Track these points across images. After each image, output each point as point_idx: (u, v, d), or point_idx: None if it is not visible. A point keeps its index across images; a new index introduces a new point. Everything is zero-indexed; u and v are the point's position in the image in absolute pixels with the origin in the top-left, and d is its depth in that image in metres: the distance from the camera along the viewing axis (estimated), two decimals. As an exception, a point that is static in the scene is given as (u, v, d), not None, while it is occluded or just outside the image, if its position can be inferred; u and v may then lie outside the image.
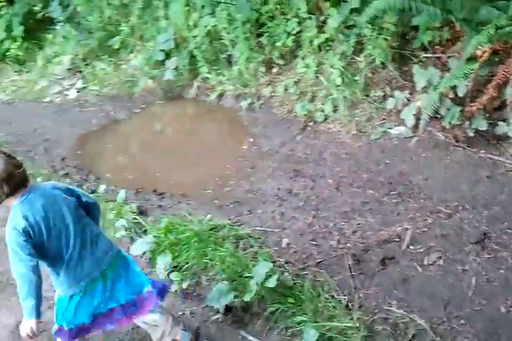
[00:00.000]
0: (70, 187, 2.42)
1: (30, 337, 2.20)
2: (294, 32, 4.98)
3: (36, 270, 2.17)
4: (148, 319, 2.49)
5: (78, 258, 2.28)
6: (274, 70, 5.16)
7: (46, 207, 2.21)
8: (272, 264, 2.82)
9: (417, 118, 3.78)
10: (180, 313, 2.97)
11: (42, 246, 2.20)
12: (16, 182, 2.15)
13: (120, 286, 2.39)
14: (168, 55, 5.95)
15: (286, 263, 3.04)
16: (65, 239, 2.26)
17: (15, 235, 2.13)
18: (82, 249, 2.29)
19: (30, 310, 2.16)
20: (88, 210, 2.40)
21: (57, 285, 2.35)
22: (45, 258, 2.26)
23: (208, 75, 5.55)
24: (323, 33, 4.74)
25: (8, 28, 8.31)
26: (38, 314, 2.19)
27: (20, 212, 2.16)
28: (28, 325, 2.18)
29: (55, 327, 2.43)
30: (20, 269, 2.16)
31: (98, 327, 2.48)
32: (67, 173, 4.89)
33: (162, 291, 2.48)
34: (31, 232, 2.15)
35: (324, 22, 4.80)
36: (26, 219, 2.15)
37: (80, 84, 6.85)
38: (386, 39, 4.29)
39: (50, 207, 2.23)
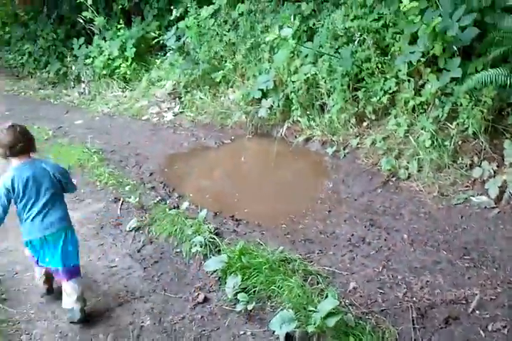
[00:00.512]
0: (60, 170, 3.33)
1: None
2: (390, 91, 5.15)
3: (5, 209, 3.17)
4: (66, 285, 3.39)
5: (34, 219, 3.24)
6: (365, 124, 5.34)
7: (30, 178, 3.16)
8: (338, 302, 2.93)
9: (501, 191, 3.84)
10: (241, 332, 3.12)
11: (15, 200, 3.19)
12: (16, 150, 3.14)
13: (55, 252, 3.31)
14: (265, 94, 6.27)
15: (350, 305, 3.14)
16: (31, 205, 3.21)
17: (1, 186, 3.13)
18: (38, 215, 3.23)
19: None
20: (64, 190, 3.38)
21: (21, 229, 3.36)
22: (17, 208, 3.23)
23: (300, 119, 5.81)
24: (420, 96, 4.87)
25: (122, 48, 9.04)
26: None
27: (12, 174, 3.14)
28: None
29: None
30: None
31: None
32: (153, 187, 5.23)
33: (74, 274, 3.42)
34: (11, 190, 3.13)
35: (422, 86, 4.94)
36: (12, 180, 3.13)
37: (177, 108, 7.32)
38: (482, 111, 4.36)
39: (33, 179, 3.18)
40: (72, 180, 3.52)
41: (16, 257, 4.30)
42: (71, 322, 3.40)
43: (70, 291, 3.39)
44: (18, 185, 3.14)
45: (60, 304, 3.46)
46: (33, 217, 3.24)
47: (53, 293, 3.68)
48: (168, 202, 4.88)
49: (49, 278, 3.63)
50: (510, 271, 3.20)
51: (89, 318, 3.42)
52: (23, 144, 3.17)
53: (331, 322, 2.83)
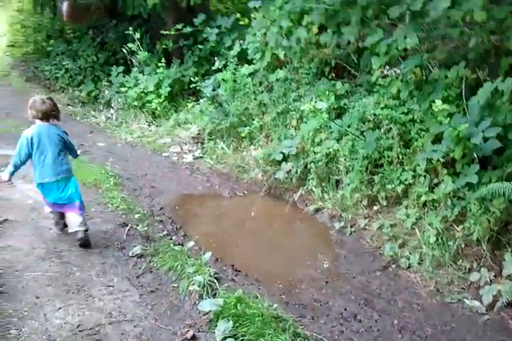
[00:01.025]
0: (67, 137, 4.64)
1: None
2: (406, 182, 5.31)
3: (25, 157, 4.49)
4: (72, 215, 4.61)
5: (45, 166, 4.48)
6: (375, 208, 5.53)
7: (46, 135, 4.47)
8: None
9: (495, 300, 4.01)
10: (224, 376, 3.18)
11: (32, 149, 4.45)
12: (46, 115, 4.51)
13: (65, 192, 4.58)
14: (285, 158, 6.51)
15: (333, 375, 3.23)
16: (44, 156, 4.48)
17: (23, 137, 4.47)
18: (50, 162, 4.48)
19: (8, 172, 4.54)
20: (69, 150, 4.68)
21: (34, 174, 4.61)
22: (32, 157, 4.49)
23: (314, 189, 6.02)
24: (433, 193, 5.06)
25: (158, 85, 9.45)
26: (10, 176, 4.58)
27: (33, 129, 4.49)
28: (2, 176, 4.59)
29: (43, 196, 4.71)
30: (17, 151, 4.49)
31: (58, 208, 4.72)
32: (161, 220, 5.39)
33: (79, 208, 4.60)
34: (30, 141, 4.43)
35: (436, 184, 5.14)
36: (32, 134, 4.44)
37: (198, 152, 7.58)
38: (489, 220, 4.56)
39: (48, 136, 4.48)
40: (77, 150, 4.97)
41: (18, 256, 4.39)
42: (78, 245, 4.61)
43: (75, 219, 4.59)
44: (36, 139, 4.44)
45: (53, 309, 3.55)
46: (47, 165, 4.48)
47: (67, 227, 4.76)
48: (173, 238, 5.02)
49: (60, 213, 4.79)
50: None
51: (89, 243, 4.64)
52: (54, 113, 4.60)
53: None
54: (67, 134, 4.70)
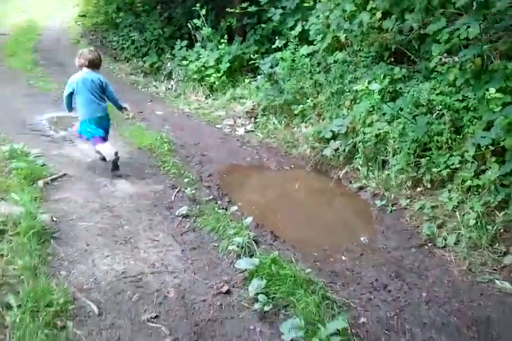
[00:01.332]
0: (107, 82, 5.65)
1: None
2: (452, 167, 5.33)
3: (70, 95, 5.59)
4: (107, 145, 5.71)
5: (87, 105, 5.53)
6: (419, 189, 5.58)
7: (88, 80, 5.46)
8: (346, 325, 3.20)
9: (525, 283, 4.05)
10: (252, 327, 3.42)
11: (76, 91, 5.48)
12: (92, 64, 5.51)
13: (102, 127, 5.70)
14: (335, 136, 6.62)
15: (355, 335, 3.39)
16: (86, 95, 5.48)
17: (70, 80, 5.51)
18: (91, 102, 5.51)
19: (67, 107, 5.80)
20: (107, 95, 5.71)
21: (78, 112, 5.69)
22: (76, 97, 5.54)
23: (360, 167, 6.12)
24: (478, 179, 5.09)
25: (218, 60, 9.72)
26: (69, 109, 5.84)
27: (79, 75, 5.49)
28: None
29: (76, 133, 5.99)
30: (66, 91, 5.59)
31: (96, 140, 5.67)
32: (209, 186, 5.65)
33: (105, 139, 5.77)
34: (75, 84, 5.45)
35: (483, 171, 5.15)
36: (77, 79, 5.44)
37: (250, 126, 7.78)
38: (532, 209, 4.58)
39: (90, 80, 5.46)
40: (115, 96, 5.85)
41: (73, 207, 4.75)
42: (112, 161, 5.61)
43: (110, 146, 5.66)
44: (82, 83, 5.44)
45: (100, 256, 3.88)
46: (92, 104, 5.52)
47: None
48: (218, 202, 5.27)
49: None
50: (508, 351, 3.40)
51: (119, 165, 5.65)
52: (98, 62, 5.57)
53: (336, 339, 3.10)
54: (107, 82, 5.70)
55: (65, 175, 5.54)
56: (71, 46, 13.39)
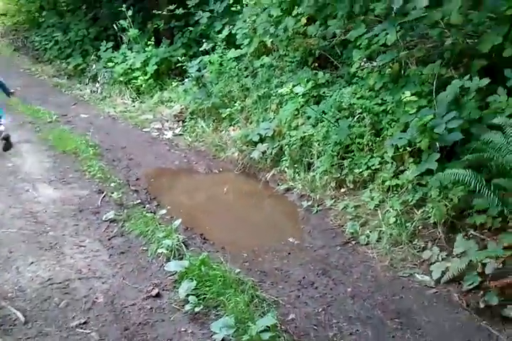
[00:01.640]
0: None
1: None
2: (373, 167, 5.53)
3: None
4: None
5: None
6: (342, 190, 5.78)
7: None
8: (276, 321, 3.29)
9: (442, 275, 4.31)
10: (183, 329, 3.45)
11: None
12: None
13: None
14: (262, 139, 6.72)
15: (284, 331, 3.49)
16: None
17: None
18: None
19: None
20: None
21: None
22: None
23: (287, 169, 6.26)
24: (397, 179, 5.33)
25: (145, 63, 9.62)
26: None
27: None
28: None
29: None
30: None
31: None
32: (136, 190, 5.61)
33: None
34: None
35: (401, 172, 5.40)
36: None
37: (178, 130, 7.77)
38: (446, 206, 4.84)
39: None
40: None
41: None
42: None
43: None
44: None
45: (25, 263, 3.75)
46: None
47: None
48: (146, 206, 5.24)
49: None
50: (430, 340, 3.60)
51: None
52: None
53: (266, 335, 3.20)
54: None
55: (-17, 181, 5.32)
56: (-11, 46, 12.85)
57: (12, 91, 6.74)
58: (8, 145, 6.35)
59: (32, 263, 4.02)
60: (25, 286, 3.72)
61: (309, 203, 5.66)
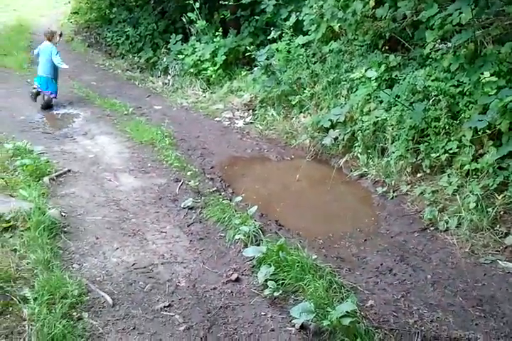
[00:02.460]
0: (54, 51, 7.98)
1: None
2: (450, 151, 5.38)
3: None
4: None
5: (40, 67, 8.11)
6: (419, 175, 5.66)
7: (42, 48, 8.11)
8: (355, 306, 3.29)
9: (527, 262, 4.16)
10: (262, 313, 3.51)
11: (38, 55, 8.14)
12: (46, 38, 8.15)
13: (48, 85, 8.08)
14: (333, 125, 6.68)
15: (364, 317, 3.48)
16: (41, 58, 8.09)
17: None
18: (41, 64, 8.10)
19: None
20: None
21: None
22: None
23: (360, 155, 6.20)
24: (477, 163, 5.17)
25: (214, 53, 9.72)
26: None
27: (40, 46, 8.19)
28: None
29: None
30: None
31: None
32: (212, 178, 5.73)
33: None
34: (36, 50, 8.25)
35: (481, 155, 5.23)
36: (39, 49, 8.17)
37: (249, 118, 7.84)
38: (530, 189, 4.67)
39: (44, 48, 8.07)
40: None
41: (80, 202, 4.82)
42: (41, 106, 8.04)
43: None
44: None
45: (111, 249, 3.96)
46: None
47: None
48: (222, 193, 5.35)
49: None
50: (514, 329, 3.49)
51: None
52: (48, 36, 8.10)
53: (346, 321, 3.20)
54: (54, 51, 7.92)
55: (69, 171, 5.61)
56: (65, 44, 13.33)
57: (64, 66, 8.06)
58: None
59: (117, 248, 4.21)
60: (111, 271, 3.90)
61: (384, 189, 5.58)
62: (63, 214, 4.60)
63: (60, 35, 8.53)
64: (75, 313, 3.37)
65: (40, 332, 3.05)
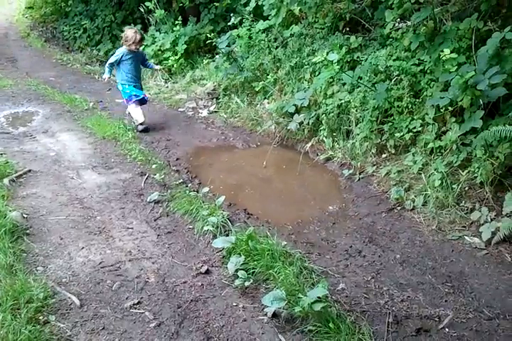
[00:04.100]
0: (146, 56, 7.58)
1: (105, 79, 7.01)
2: (414, 130, 5.39)
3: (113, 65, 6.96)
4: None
5: (129, 75, 7.01)
6: (384, 155, 5.69)
7: (135, 54, 6.89)
8: (327, 291, 3.29)
9: (493, 236, 4.21)
10: (234, 304, 3.49)
11: (121, 62, 6.83)
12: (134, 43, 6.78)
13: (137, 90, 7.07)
14: (298, 110, 6.64)
15: (335, 301, 3.49)
16: (131, 67, 6.94)
17: (118, 52, 6.89)
18: (131, 73, 6.99)
19: (107, 71, 6.94)
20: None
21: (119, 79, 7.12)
22: (119, 65, 6.91)
23: (325, 139, 6.18)
24: (440, 140, 5.20)
25: (174, 43, 9.58)
26: (109, 73, 6.96)
27: (126, 51, 6.89)
28: (105, 76, 6.99)
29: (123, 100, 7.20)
30: (111, 60, 6.88)
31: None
32: (177, 170, 5.65)
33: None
34: (121, 55, 6.79)
35: (444, 132, 5.25)
36: (123, 53, 6.96)
37: (213, 107, 7.76)
38: (493, 164, 4.69)
39: (136, 55, 6.92)
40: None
41: (43, 202, 4.71)
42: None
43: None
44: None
45: (76, 248, 3.88)
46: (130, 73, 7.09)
47: None
48: (189, 185, 5.29)
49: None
50: (484, 303, 3.54)
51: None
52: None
53: (317, 306, 3.19)
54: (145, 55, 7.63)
55: (29, 171, 5.47)
56: (21, 40, 13.02)
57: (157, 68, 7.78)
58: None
59: (83, 248, 4.12)
60: (77, 271, 3.81)
61: (351, 171, 5.60)
62: (25, 215, 4.49)
63: None
64: (41, 317, 3.29)
65: (5, 340, 2.97)
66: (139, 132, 6.89)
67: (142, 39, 7.01)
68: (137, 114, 6.94)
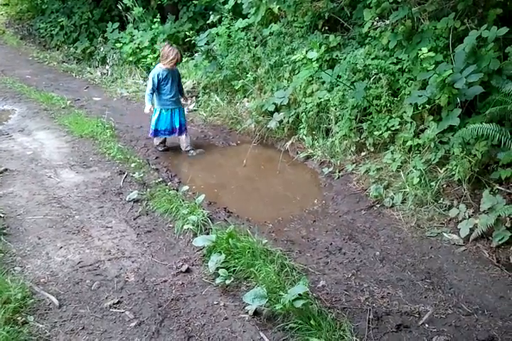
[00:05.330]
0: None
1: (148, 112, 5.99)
2: (393, 128, 5.46)
3: (153, 90, 6.00)
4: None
5: (167, 96, 6.06)
6: (363, 153, 5.72)
7: (172, 71, 6.15)
8: (307, 288, 3.30)
9: (471, 233, 4.27)
10: (215, 302, 3.48)
11: (159, 84, 5.96)
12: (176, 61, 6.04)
13: (176, 119, 6.11)
14: (277, 109, 6.66)
15: (316, 298, 3.50)
16: (169, 87, 6.06)
17: (153, 75, 5.97)
18: (171, 92, 6.06)
19: (148, 101, 5.95)
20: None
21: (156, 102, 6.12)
22: (158, 89, 6.00)
23: (305, 137, 6.21)
24: (418, 138, 5.26)
25: (153, 41, 9.49)
26: (150, 102, 5.97)
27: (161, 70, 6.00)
28: (147, 107, 5.96)
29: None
30: (149, 86, 6.00)
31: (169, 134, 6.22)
32: (157, 169, 5.62)
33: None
34: (158, 78, 5.95)
35: (422, 131, 5.31)
36: (158, 74, 5.97)
37: (192, 106, 7.71)
38: (470, 162, 4.76)
39: (173, 72, 6.15)
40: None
41: (19, 202, 4.63)
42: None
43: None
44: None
45: (54, 248, 3.82)
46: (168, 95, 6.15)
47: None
48: (168, 184, 5.25)
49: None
50: (462, 299, 3.58)
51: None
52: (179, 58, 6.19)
53: (299, 303, 3.19)
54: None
55: (6, 170, 5.37)
56: (-5, 37, 12.84)
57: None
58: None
59: (61, 247, 4.07)
60: (56, 271, 3.76)
61: (330, 169, 5.62)
62: (2, 215, 4.41)
63: None
64: (19, 318, 3.24)
65: (-18, 341, 2.92)
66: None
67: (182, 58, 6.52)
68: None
